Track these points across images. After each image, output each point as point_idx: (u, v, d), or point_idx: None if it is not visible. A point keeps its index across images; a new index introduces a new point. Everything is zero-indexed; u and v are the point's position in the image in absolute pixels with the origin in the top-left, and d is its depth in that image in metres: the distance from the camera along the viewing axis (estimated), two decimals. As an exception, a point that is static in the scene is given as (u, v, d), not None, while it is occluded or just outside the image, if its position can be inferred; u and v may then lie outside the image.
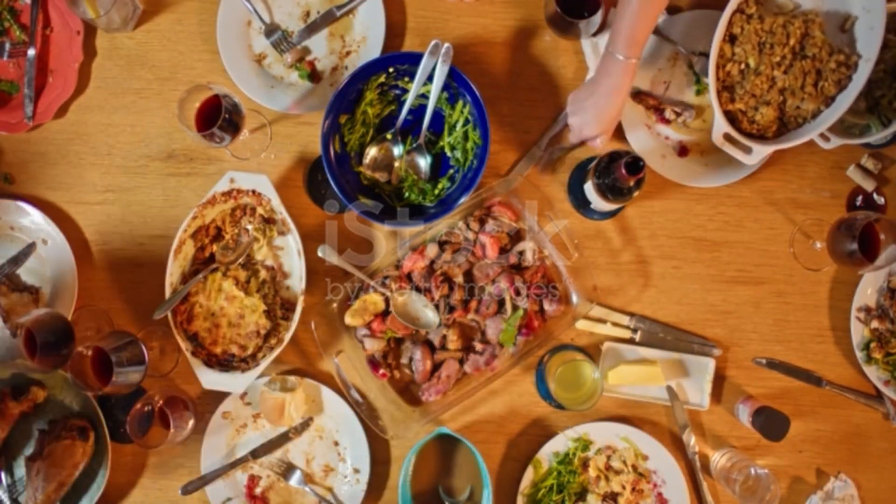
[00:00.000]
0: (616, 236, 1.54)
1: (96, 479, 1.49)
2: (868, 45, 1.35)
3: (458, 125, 1.48)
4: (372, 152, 1.48)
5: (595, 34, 1.53)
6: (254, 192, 1.47)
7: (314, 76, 1.55)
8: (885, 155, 1.53)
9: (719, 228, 1.53)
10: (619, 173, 1.30)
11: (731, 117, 1.42)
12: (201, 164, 1.56)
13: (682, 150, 1.53)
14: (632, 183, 1.33)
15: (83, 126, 1.57)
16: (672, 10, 1.52)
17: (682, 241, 1.53)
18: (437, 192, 1.51)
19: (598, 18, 1.44)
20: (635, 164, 1.28)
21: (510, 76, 1.56)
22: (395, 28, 1.55)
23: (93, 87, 1.57)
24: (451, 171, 1.51)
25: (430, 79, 1.44)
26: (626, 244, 1.54)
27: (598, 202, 1.43)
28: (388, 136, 1.49)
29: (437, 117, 1.50)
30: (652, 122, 1.53)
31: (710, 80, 1.40)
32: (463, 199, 1.41)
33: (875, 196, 1.53)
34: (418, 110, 1.48)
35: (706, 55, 1.51)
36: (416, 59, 1.42)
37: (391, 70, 1.45)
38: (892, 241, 1.34)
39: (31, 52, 1.54)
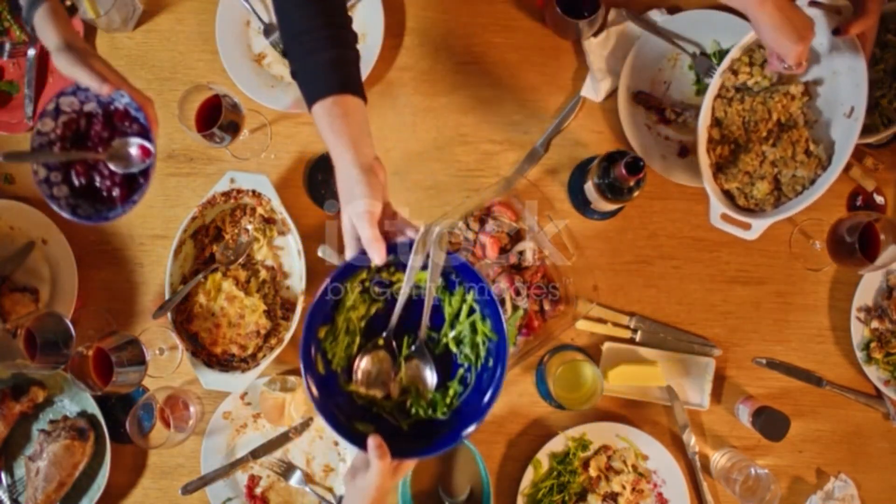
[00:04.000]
0: (616, 236, 1.54)
1: (96, 479, 1.49)
2: (856, 100, 1.36)
3: (462, 315, 1.15)
4: (363, 365, 1.14)
5: (595, 34, 1.53)
6: (254, 192, 1.47)
7: (314, 76, 1.55)
8: (886, 155, 1.53)
9: (719, 229, 1.53)
10: (619, 173, 1.30)
11: (727, 196, 1.45)
12: (201, 164, 1.56)
13: (683, 150, 1.53)
14: (632, 183, 1.33)
15: (83, 126, 1.57)
16: (672, 9, 1.52)
17: (682, 241, 1.53)
18: (448, 400, 1.14)
19: (598, 18, 1.44)
20: (635, 164, 1.28)
21: (510, 76, 1.55)
22: (393, 28, 1.55)
23: (93, 87, 1.57)
24: (462, 370, 1.15)
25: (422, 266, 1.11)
26: (626, 244, 1.54)
27: (598, 202, 1.43)
28: (381, 342, 1.14)
29: (435, 305, 1.15)
30: (652, 122, 1.53)
31: (702, 165, 1.41)
32: (486, 412, 1.08)
33: (875, 196, 1.53)
34: (412, 302, 1.13)
35: (706, 55, 1.51)
36: (399, 249, 1.09)
37: (372, 265, 1.10)
38: (892, 241, 1.34)
39: (31, 52, 1.54)
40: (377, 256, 1.06)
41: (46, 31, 1.16)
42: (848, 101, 1.37)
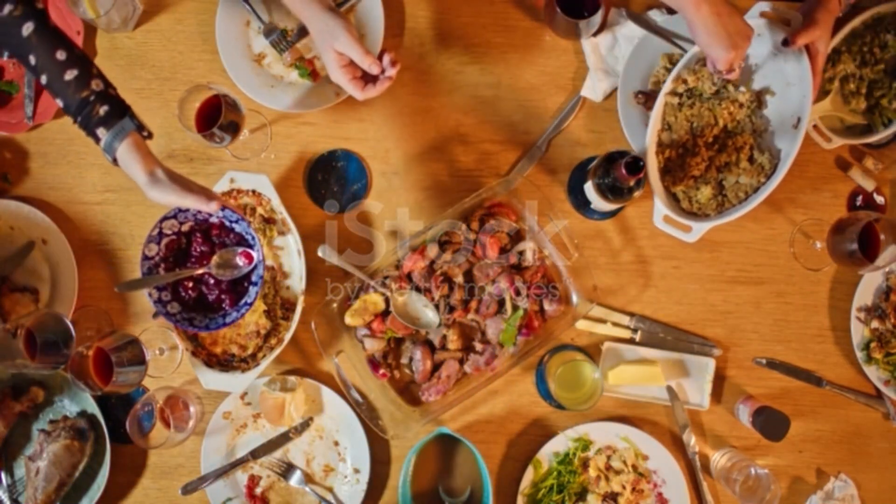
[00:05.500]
0: (616, 236, 1.54)
1: (96, 479, 1.49)
2: (802, 110, 1.37)
3: None
4: None
5: (595, 34, 1.53)
6: (254, 192, 1.47)
7: (314, 74, 1.55)
8: (886, 155, 1.53)
9: (719, 228, 1.53)
10: (619, 173, 1.30)
11: (673, 198, 1.47)
12: (201, 164, 1.55)
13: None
14: (632, 183, 1.33)
15: (83, 126, 1.57)
16: (672, 10, 1.52)
17: (682, 241, 1.53)
18: None
19: (598, 18, 1.44)
20: (635, 164, 1.28)
21: (510, 76, 1.56)
22: (393, 28, 1.55)
23: (93, 87, 1.57)
24: None
25: None
26: (626, 244, 1.54)
27: (598, 202, 1.43)
28: None
29: None
30: (652, 121, 1.53)
31: (650, 167, 1.43)
32: None
33: (875, 196, 1.53)
34: None
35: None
36: None
37: None
38: (892, 241, 1.34)
39: (31, 52, 1.54)
40: (376, 67, 1.29)
41: (131, 165, 1.22)
42: (797, 111, 1.39)
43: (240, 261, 1.31)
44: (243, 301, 1.32)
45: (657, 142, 1.46)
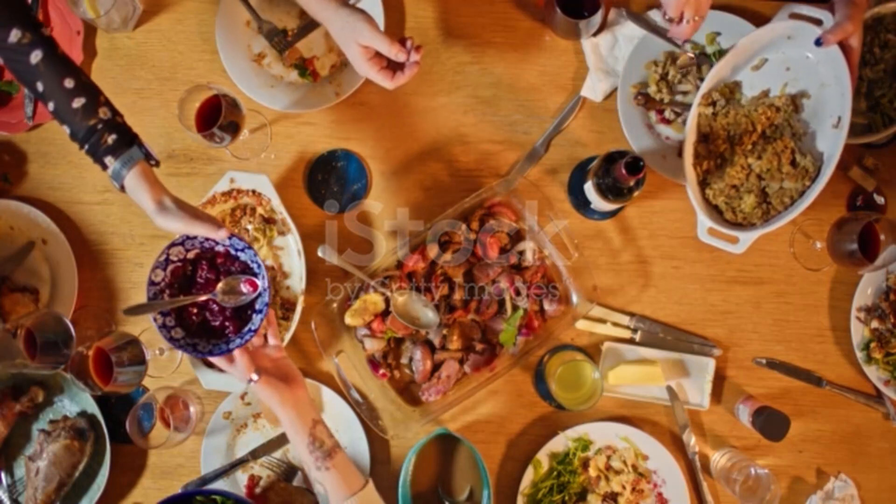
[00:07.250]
0: (616, 236, 1.54)
1: (96, 479, 1.49)
2: (842, 109, 1.36)
3: None
4: None
5: (595, 34, 1.53)
6: (254, 192, 1.47)
7: (314, 74, 1.55)
8: (886, 155, 1.53)
9: (719, 228, 1.53)
10: (619, 173, 1.30)
11: (715, 210, 1.45)
12: (201, 164, 1.56)
13: (682, 151, 1.53)
14: (632, 183, 1.33)
15: (83, 126, 1.57)
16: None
17: (682, 241, 1.53)
18: None
19: (598, 18, 1.44)
20: (635, 164, 1.28)
21: (510, 76, 1.56)
22: (393, 28, 1.55)
23: (93, 87, 1.57)
24: None
25: None
26: (626, 244, 1.54)
27: (598, 202, 1.43)
28: None
29: None
30: (652, 122, 1.53)
31: (689, 181, 1.42)
32: None
33: (875, 196, 1.53)
34: None
35: (706, 55, 1.51)
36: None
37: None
38: (892, 241, 1.34)
39: (31, 52, 1.54)
40: (403, 55, 1.28)
41: (139, 193, 1.22)
42: (835, 111, 1.37)
43: (245, 288, 1.31)
44: (247, 328, 1.32)
45: (693, 153, 1.44)
